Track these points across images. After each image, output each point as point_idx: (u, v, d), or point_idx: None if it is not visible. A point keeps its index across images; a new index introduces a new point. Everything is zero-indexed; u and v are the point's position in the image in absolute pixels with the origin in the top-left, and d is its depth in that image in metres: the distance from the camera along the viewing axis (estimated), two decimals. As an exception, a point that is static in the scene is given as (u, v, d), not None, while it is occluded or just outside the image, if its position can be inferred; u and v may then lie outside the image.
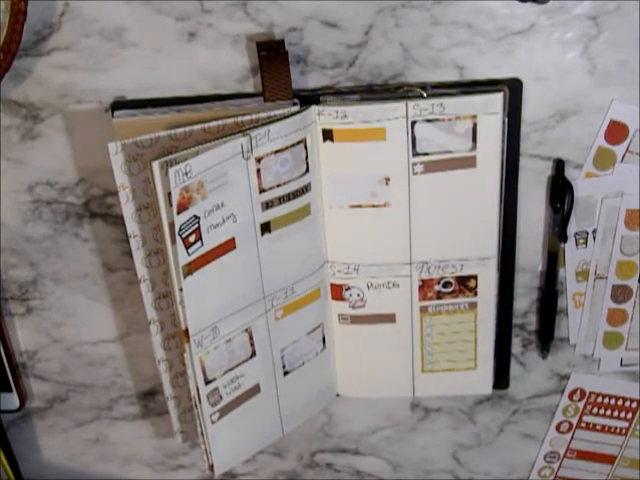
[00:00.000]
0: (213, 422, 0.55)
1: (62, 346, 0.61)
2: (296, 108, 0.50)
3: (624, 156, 0.53)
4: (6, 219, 0.56)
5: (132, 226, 0.51)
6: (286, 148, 0.50)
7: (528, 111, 0.52)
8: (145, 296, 0.52)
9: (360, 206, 0.53)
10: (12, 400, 0.61)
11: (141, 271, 0.52)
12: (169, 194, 0.46)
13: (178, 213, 0.46)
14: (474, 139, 0.51)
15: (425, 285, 0.57)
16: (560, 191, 0.54)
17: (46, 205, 0.56)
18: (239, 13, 0.50)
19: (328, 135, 0.51)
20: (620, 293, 0.58)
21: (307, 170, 0.52)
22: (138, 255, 0.51)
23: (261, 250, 0.52)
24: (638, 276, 0.57)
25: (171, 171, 0.45)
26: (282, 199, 0.52)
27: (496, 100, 0.50)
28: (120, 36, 0.50)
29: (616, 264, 0.57)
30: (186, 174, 0.46)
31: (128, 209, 0.50)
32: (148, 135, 0.48)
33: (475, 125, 0.51)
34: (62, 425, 0.64)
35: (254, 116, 0.49)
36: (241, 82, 0.52)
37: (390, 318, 0.57)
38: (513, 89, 0.51)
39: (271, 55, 0.49)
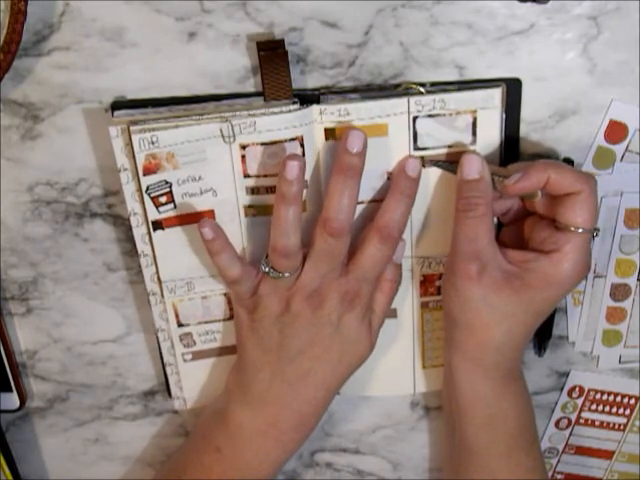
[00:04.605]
0: (185, 360, 0.58)
1: (62, 346, 0.61)
2: (295, 107, 0.50)
3: (624, 156, 0.53)
4: (6, 219, 0.56)
5: (132, 204, 0.52)
6: (274, 143, 0.50)
7: (528, 111, 0.52)
8: (144, 269, 0.55)
9: (362, 202, 0.53)
10: (12, 400, 0.61)
11: (141, 246, 0.54)
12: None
13: (145, 175, 0.50)
14: (474, 133, 0.52)
15: (426, 280, 0.57)
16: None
17: (46, 205, 0.56)
18: (239, 13, 0.50)
19: (331, 134, 0.51)
20: (619, 291, 0.58)
21: (303, 168, 0.52)
22: (138, 231, 0.53)
23: (245, 229, 0.54)
24: (637, 274, 0.58)
25: (134, 138, 0.49)
26: (270, 189, 0.52)
27: (495, 95, 0.51)
28: (120, 36, 0.50)
29: (615, 262, 0.57)
30: (152, 143, 0.49)
31: (128, 189, 0.52)
32: (141, 125, 0.49)
33: (475, 120, 0.51)
34: (62, 425, 0.64)
35: (246, 112, 0.50)
36: (241, 82, 0.52)
37: (391, 313, 0.58)
38: (512, 89, 0.51)
39: (271, 55, 0.49)
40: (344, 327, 0.53)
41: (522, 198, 0.53)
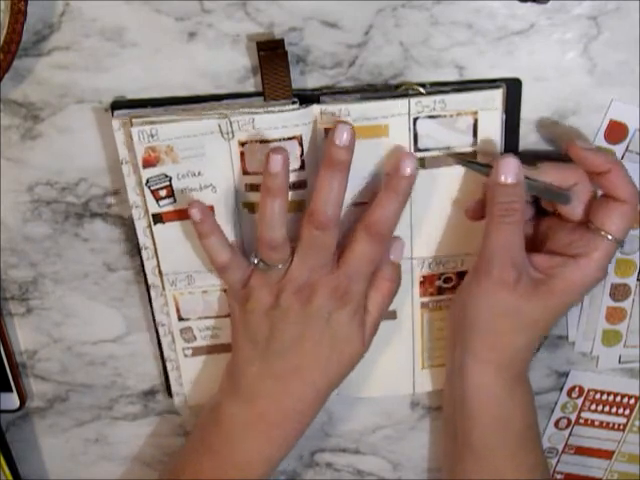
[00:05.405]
0: (186, 356, 0.58)
1: (62, 346, 0.61)
2: (295, 107, 0.50)
3: (624, 156, 0.53)
4: (6, 219, 0.56)
5: (133, 197, 0.53)
6: (273, 140, 0.50)
7: (528, 111, 0.52)
8: (146, 263, 0.55)
9: (362, 203, 0.53)
10: (12, 400, 0.61)
11: (142, 239, 0.54)
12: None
13: (144, 167, 0.51)
14: (475, 135, 0.52)
15: (426, 281, 0.57)
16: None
17: (46, 205, 0.56)
18: (239, 13, 0.50)
19: None
20: (619, 291, 0.58)
21: (302, 167, 0.52)
22: (139, 224, 0.54)
23: (244, 226, 0.54)
24: (637, 274, 0.58)
25: (133, 130, 0.49)
26: None
27: (496, 96, 0.50)
28: (120, 36, 0.50)
29: (615, 262, 0.57)
30: (152, 136, 0.49)
31: (130, 182, 0.52)
32: (142, 118, 0.50)
33: (476, 121, 0.51)
34: (62, 425, 0.64)
35: (245, 110, 0.50)
36: (241, 82, 0.52)
37: (391, 314, 0.58)
38: (512, 88, 0.51)
39: (271, 55, 0.49)
40: (334, 324, 0.53)
41: (548, 201, 0.53)
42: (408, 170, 0.50)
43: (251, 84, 0.52)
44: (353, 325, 0.53)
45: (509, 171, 0.49)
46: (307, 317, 0.52)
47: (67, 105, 0.52)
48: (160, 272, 0.55)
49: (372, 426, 0.65)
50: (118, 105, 0.51)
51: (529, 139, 0.53)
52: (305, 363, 0.53)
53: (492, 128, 0.51)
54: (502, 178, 0.49)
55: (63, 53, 0.50)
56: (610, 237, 0.49)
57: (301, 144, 0.51)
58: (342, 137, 0.48)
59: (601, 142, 0.53)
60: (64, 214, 0.56)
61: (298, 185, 0.52)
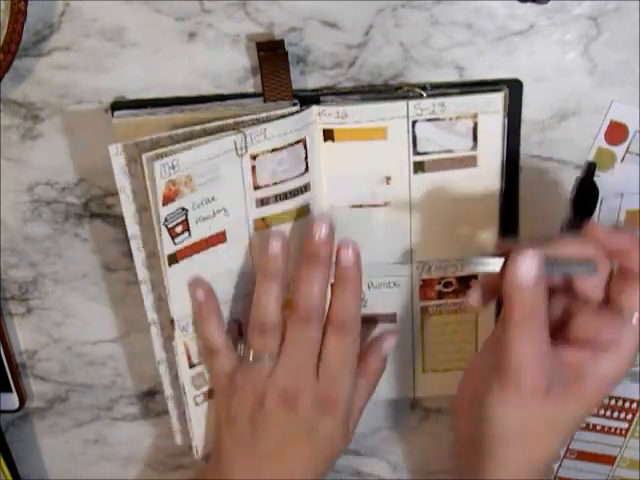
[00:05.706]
0: (197, 404, 0.56)
1: (62, 346, 0.61)
2: (296, 108, 0.50)
3: (624, 157, 0.53)
4: (6, 219, 0.56)
5: (132, 228, 0.50)
6: (283, 147, 0.50)
7: (528, 112, 0.52)
8: (145, 297, 0.53)
9: (361, 206, 0.53)
10: (12, 400, 0.61)
11: (141, 272, 0.52)
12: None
13: (164, 205, 0.47)
14: (475, 138, 0.51)
15: (426, 285, 0.57)
16: (588, 194, 0.54)
17: (46, 205, 0.56)
18: (239, 13, 0.50)
19: (329, 135, 0.51)
20: (620, 293, 0.58)
21: (306, 170, 0.52)
22: (139, 256, 0.51)
23: (255, 245, 0.53)
24: (638, 276, 0.57)
25: (156, 164, 0.46)
26: (279, 197, 0.52)
27: (497, 99, 0.50)
28: (120, 36, 0.50)
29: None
30: (173, 167, 0.46)
31: (129, 211, 0.50)
32: (148, 136, 0.48)
33: (476, 124, 0.51)
34: (62, 425, 0.64)
35: (253, 116, 0.49)
36: (241, 82, 0.52)
37: (391, 318, 0.57)
38: (513, 90, 0.51)
39: (271, 55, 0.49)
40: (318, 430, 0.52)
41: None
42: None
43: (251, 84, 0.52)
44: (338, 431, 0.53)
45: (529, 269, 0.41)
46: (291, 421, 0.51)
47: (67, 105, 0.52)
48: (172, 322, 0.52)
49: (372, 428, 0.65)
50: (118, 105, 0.51)
51: (530, 140, 0.53)
52: (289, 462, 0.53)
53: (493, 132, 0.51)
54: (521, 279, 0.41)
55: (63, 53, 0.51)
56: (636, 317, 0.44)
57: (305, 146, 0.51)
58: (321, 232, 0.49)
59: (601, 143, 0.53)
60: (64, 214, 0.56)
61: (303, 188, 0.52)
